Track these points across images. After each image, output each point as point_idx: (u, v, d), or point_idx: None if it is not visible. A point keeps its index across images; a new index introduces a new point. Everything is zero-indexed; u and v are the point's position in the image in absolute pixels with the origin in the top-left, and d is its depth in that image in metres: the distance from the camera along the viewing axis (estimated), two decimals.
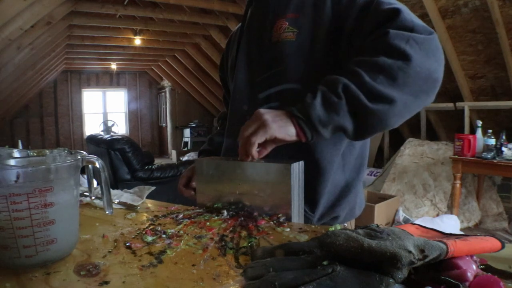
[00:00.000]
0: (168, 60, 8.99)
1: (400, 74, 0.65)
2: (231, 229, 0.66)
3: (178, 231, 0.65)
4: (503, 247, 0.45)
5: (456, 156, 3.10)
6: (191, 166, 1.04)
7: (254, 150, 0.69)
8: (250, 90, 0.94)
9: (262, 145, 0.70)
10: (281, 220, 0.70)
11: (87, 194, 0.86)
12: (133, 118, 11.25)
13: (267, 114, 0.68)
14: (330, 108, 0.66)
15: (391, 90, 0.65)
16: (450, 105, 4.14)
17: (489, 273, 0.42)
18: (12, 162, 0.58)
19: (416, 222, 1.84)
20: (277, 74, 0.88)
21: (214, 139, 1.19)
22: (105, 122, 10.34)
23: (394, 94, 0.65)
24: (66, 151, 0.64)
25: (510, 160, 2.81)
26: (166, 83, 10.47)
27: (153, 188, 0.92)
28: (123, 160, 3.79)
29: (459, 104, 4.04)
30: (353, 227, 0.99)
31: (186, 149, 9.82)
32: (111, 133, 9.18)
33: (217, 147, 1.13)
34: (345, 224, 0.96)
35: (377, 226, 0.47)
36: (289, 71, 0.86)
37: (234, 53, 1.01)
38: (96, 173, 0.59)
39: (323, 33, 0.82)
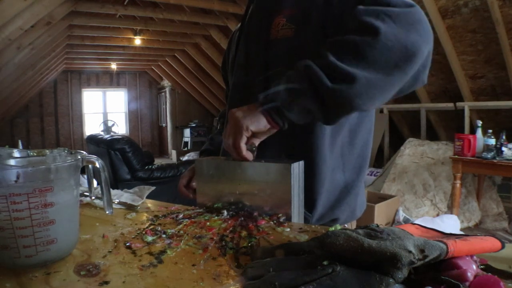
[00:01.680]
0: (168, 60, 8.99)
1: (368, 50, 0.61)
2: (231, 229, 0.66)
3: (178, 231, 0.65)
4: (503, 247, 0.45)
5: (456, 156, 3.10)
6: (192, 166, 1.03)
7: (245, 153, 0.70)
8: (248, 90, 0.92)
9: (249, 143, 0.71)
10: (281, 220, 0.70)
11: (87, 194, 0.86)
12: (133, 118, 11.25)
13: (238, 112, 0.69)
14: (293, 91, 0.66)
15: (355, 68, 0.61)
16: (450, 105, 4.14)
17: (489, 273, 0.42)
18: (12, 162, 0.58)
19: (416, 222, 1.84)
20: (275, 74, 0.87)
21: (215, 138, 1.19)
22: (105, 122, 10.33)
23: (356, 72, 0.61)
24: (66, 151, 0.64)
25: (510, 160, 2.81)
26: (166, 83, 10.47)
27: (153, 188, 0.92)
28: (123, 160, 3.79)
29: (459, 104, 4.04)
30: (354, 227, 0.99)
31: (186, 149, 9.82)
32: (111, 133, 9.17)
33: (218, 146, 1.13)
34: (346, 225, 0.95)
35: (377, 226, 0.47)
36: (287, 70, 0.85)
37: (234, 52, 1.01)
38: (96, 173, 0.59)
39: (321, 27, 0.79)
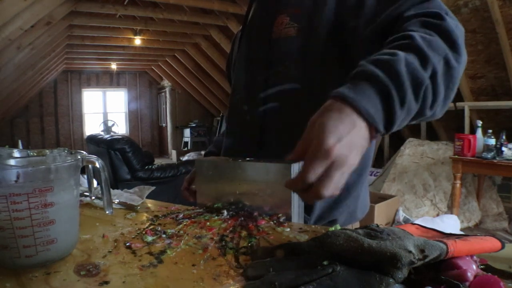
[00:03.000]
0: (168, 60, 8.99)
1: (455, 70, 0.56)
2: (231, 229, 0.66)
3: (178, 231, 0.65)
4: (503, 247, 0.45)
5: (456, 156, 3.10)
6: (194, 169, 1.04)
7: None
8: (250, 89, 0.92)
9: None
10: (281, 220, 0.70)
11: (87, 194, 0.86)
12: (133, 118, 11.25)
13: (339, 144, 0.44)
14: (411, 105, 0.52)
15: (451, 93, 0.58)
16: (450, 105, 4.13)
17: (489, 273, 0.42)
18: (12, 162, 0.58)
19: (416, 222, 1.84)
20: (277, 74, 0.86)
21: (219, 140, 1.18)
22: (105, 122, 10.33)
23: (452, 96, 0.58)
24: (66, 151, 0.64)
25: (510, 160, 2.81)
26: (166, 83, 10.48)
27: (153, 188, 0.92)
28: (123, 160, 3.79)
29: (459, 104, 4.04)
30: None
31: (186, 149, 9.82)
32: (111, 133, 9.17)
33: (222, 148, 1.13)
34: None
35: (377, 226, 0.47)
36: (289, 70, 0.83)
37: (236, 52, 1.00)
38: (96, 173, 0.59)
39: (325, 27, 0.77)
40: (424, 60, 0.51)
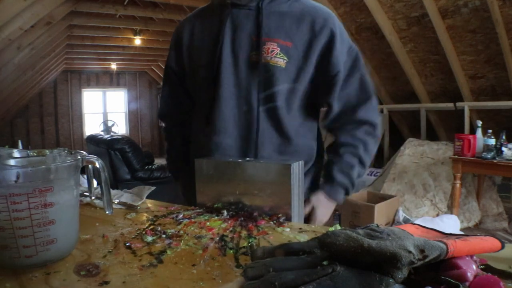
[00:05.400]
0: None
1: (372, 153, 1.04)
2: (231, 229, 0.66)
3: (178, 231, 0.65)
4: (503, 247, 0.45)
5: (456, 156, 3.10)
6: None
7: None
8: (238, 101, 0.96)
9: None
10: (281, 220, 0.70)
11: (87, 194, 0.86)
12: (133, 118, 11.25)
13: (327, 211, 1.00)
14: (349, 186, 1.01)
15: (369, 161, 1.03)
16: (450, 105, 4.13)
17: (489, 273, 0.42)
18: (12, 162, 0.58)
19: (416, 222, 1.84)
20: (265, 84, 0.94)
21: (180, 155, 1.17)
22: (105, 122, 10.33)
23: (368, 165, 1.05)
24: (66, 151, 0.64)
25: (510, 160, 2.80)
26: None
27: (153, 188, 0.92)
28: (123, 160, 3.79)
29: (459, 104, 4.04)
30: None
31: None
32: (111, 133, 9.17)
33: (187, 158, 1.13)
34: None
35: (377, 226, 0.47)
36: (275, 83, 0.94)
37: (207, 59, 0.98)
38: (96, 173, 0.59)
39: (310, 68, 0.94)
40: (363, 164, 1.00)
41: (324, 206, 0.97)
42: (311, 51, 0.92)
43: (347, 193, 1.00)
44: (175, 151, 1.19)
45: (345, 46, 0.96)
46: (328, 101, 0.97)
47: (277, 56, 0.91)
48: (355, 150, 0.98)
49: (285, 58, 0.91)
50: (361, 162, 0.99)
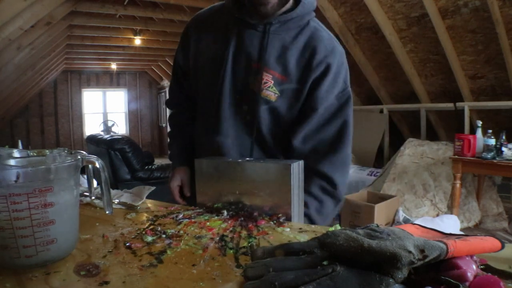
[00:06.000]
0: (168, 60, 8.98)
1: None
2: (231, 229, 0.66)
3: (178, 231, 0.65)
4: (503, 247, 0.45)
5: (456, 156, 3.10)
6: (179, 169, 1.06)
7: None
8: (235, 117, 0.96)
9: None
10: (281, 220, 0.70)
11: (87, 194, 0.86)
12: (133, 118, 11.25)
13: None
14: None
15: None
16: (450, 105, 4.13)
17: (489, 273, 0.42)
18: (12, 162, 0.58)
19: (416, 222, 1.84)
20: (255, 113, 0.93)
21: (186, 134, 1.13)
22: (105, 122, 10.33)
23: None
24: (66, 151, 0.64)
25: (510, 160, 2.80)
26: (166, 83, 10.47)
27: (153, 188, 0.92)
28: (123, 160, 3.79)
29: (459, 104, 4.04)
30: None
31: None
32: (111, 133, 9.18)
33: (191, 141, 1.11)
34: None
35: (377, 226, 0.47)
36: (263, 114, 0.94)
37: (210, 69, 0.98)
38: (96, 173, 0.59)
39: (299, 105, 0.93)
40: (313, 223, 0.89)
41: None
42: (304, 88, 0.91)
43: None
44: (180, 136, 1.14)
45: (336, 88, 0.92)
46: (292, 134, 0.93)
47: (269, 89, 0.91)
48: (307, 210, 0.88)
49: (277, 92, 0.91)
50: (311, 222, 0.88)
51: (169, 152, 1.20)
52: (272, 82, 0.91)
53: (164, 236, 0.62)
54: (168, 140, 1.19)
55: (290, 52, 0.91)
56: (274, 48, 0.91)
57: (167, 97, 1.23)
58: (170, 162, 1.18)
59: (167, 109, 1.24)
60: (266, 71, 0.91)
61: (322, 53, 0.90)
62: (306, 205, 0.87)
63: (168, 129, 1.20)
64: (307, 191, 0.88)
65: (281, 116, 0.94)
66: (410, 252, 0.37)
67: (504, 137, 2.91)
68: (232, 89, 0.95)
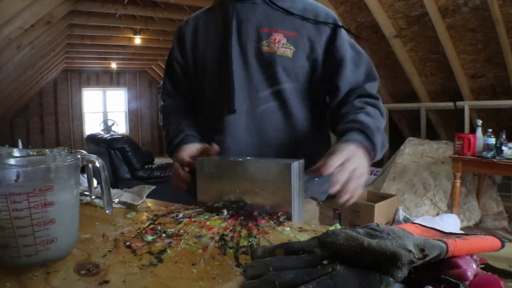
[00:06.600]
0: None
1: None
2: (231, 228, 0.66)
3: (178, 231, 0.65)
4: (503, 246, 0.45)
5: (456, 155, 3.10)
6: (183, 150, 0.94)
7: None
8: (248, 89, 0.95)
9: None
10: (281, 219, 0.70)
11: (87, 193, 0.86)
12: (133, 117, 11.24)
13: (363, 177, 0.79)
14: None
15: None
16: (450, 104, 4.13)
17: (489, 272, 0.42)
18: (12, 161, 0.58)
19: (416, 221, 1.84)
20: (273, 76, 0.94)
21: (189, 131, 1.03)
22: (105, 121, 10.33)
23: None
24: (66, 151, 0.64)
25: (510, 159, 2.80)
26: None
27: (153, 187, 0.92)
28: (123, 159, 3.79)
29: (459, 103, 4.04)
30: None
31: None
32: (111, 132, 9.17)
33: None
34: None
35: (377, 225, 0.47)
36: (284, 74, 0.94)
37: (214, 49, 0.98)
38: (96, 173, 0.59)
39: (318, 58, 0.95)
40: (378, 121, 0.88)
41: (359, 156, 0.77)
42: (318, 39, 0.94)
43: (373, 147, 0.82)
44: (176, 122, 1.07)
45: (346, 40, 0.98)
46: (336, 82, 0.95)
47: (284, 46, 0.92)
48: (363, 110, 0.88)
49: (292, 48, 0.93)
50: (375, 118, 0.87)
51: (170, 136, 1.05)
52: (285, 39, 0.93)
53: (164, 235, 0.62)
54: (165, 126, 1.12)
55: (293, 15, 0.95)
56: (277, 12, 0.95)
57: (161, 102, 1.18)
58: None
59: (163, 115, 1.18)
60: (276, 31, 0.93)
61: (323, 12, 0.96)
62: (362, 109, 0.88)
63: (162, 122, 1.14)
64: (353, 105, 0.90)
65: (300, 74, 0.96)
66: (410, 251, 0.37)
67: (504, 136, 2.91)
68: (243, 67, 0.95)
